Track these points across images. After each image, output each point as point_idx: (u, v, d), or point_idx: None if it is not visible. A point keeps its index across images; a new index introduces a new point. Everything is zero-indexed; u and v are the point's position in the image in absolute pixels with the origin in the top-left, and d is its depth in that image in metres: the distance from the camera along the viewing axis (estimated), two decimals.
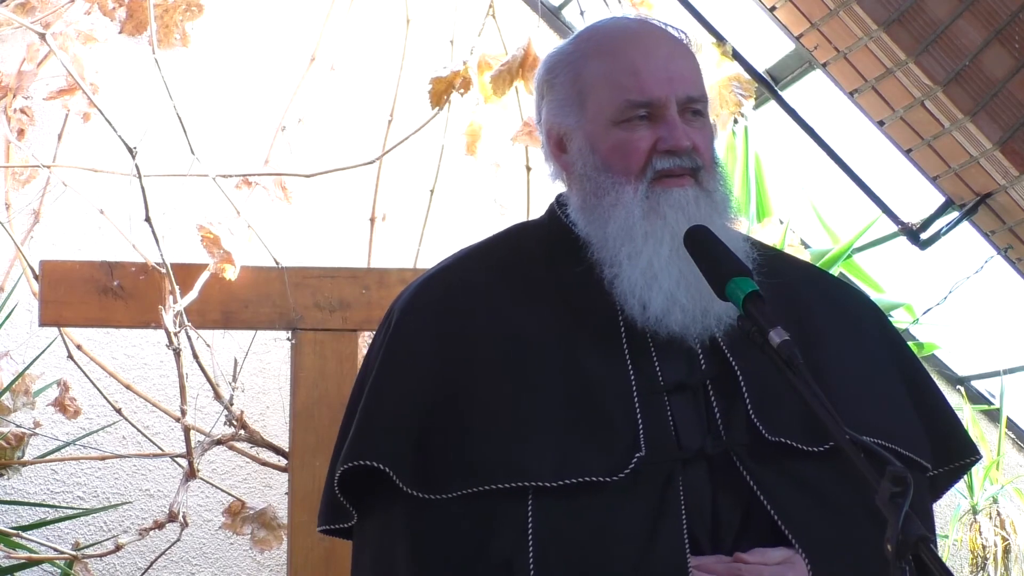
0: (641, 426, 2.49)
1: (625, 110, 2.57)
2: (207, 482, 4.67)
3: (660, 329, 2.54)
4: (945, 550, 5.20)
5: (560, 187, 2.72)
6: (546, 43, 4.45)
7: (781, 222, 5.21)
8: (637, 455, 2.47)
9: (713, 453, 2.51)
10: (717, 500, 2.50)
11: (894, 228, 5.14)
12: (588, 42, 2.67)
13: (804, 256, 4.86)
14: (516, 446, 2.47)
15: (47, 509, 4.71)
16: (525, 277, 2.63)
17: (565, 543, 2.43)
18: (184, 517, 4.23)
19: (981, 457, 2.81)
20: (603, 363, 2.54)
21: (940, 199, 4.97)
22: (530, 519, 2.44)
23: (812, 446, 2.52)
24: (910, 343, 4.59)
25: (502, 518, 2.45)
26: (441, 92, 4.41)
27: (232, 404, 4.29)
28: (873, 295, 5.31)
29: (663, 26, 2.69)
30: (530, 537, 2.43)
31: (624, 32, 2.65)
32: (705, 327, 2.54)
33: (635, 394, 2.52)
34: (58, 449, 4.66)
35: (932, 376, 2.81)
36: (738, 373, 2.55)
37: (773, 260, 2.65)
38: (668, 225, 2.55)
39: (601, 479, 2.45)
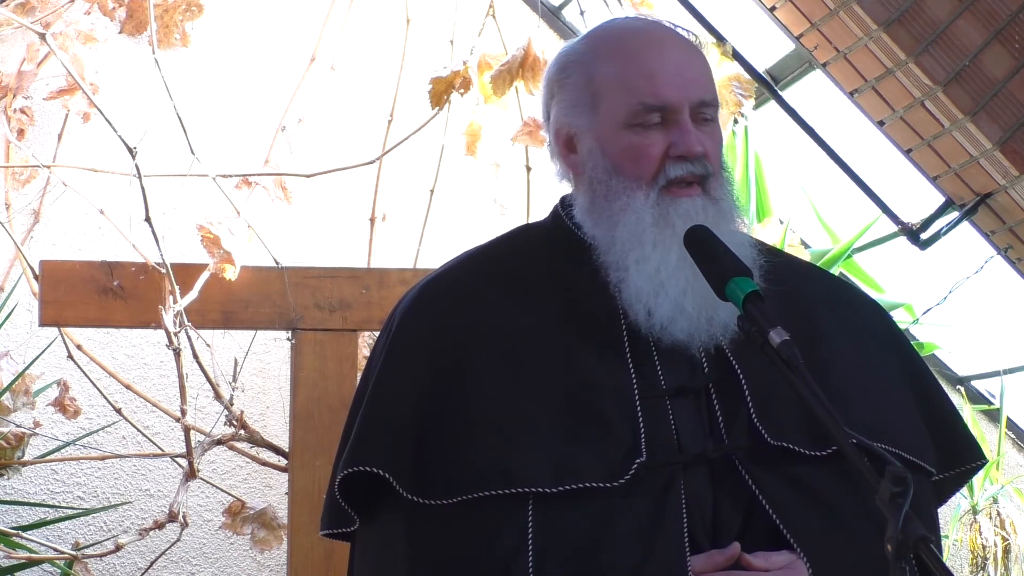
0: (643, 431, 2.48)
1: (639, 114, 2.55)
2: (207, 482, 4.67)
3: (664, 336, 2.52)
4: (945, 550, 5.20)
5: (565, 187, 2.71)
6: (546, 43, 4.45)
7: (781, 222, 5.21)
8: (638, 461, 2.46)
9: (714, 457, 2.50)
10: (718, 504, 2.49)
11: (894, 228, 5.14)
12: (602, 42, 2.63)
13: (804, 256, 4.86)
14: (516, 451, 2.46)
15: (47, 509, 4.71)
16: (527, 280, 2.62)
17: (564, 548, 2.42)
18: (184, 517, 4.23)
19: (987, 461, 2.80)
20: (605, 366, 2.53)
21: (940, 199, 4.97)
22: (530, 525, 2.44)
23: (814, 450, 2.51)
24: None
25: (501, 524, 2.44)
26: (441, 92, 4.41)
27: (232, 404, 4.29)
28: (873, 295, 5.30)
29: (674, 28, 2.68)
30: (529, 543, 2.43)
31: (639, 34, 2.62)
32: (711, 336, 2.53)
33: (637, 398, 2.51)
34: (58, 449, 4.66)
35: None
36: (741, 376, 2.54)
37: (781, 266, 2.64)
38: (677, 235, 2.53)
39: (601, 485, 2.45)
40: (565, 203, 2.68)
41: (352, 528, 2.61)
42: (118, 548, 4.26)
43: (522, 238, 2.73)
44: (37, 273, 4.14)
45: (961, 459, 2.71)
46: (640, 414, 2.49)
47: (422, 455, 2.50)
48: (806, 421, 2.50)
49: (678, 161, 2.55)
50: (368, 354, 2.75)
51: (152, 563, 4.66)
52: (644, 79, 2.55)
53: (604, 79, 2.58)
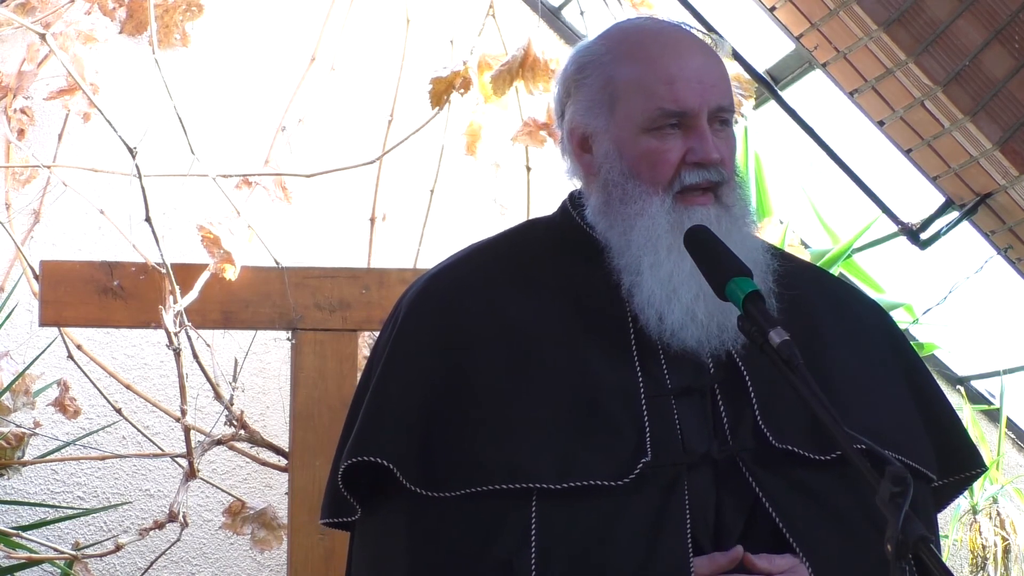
0: (648, 430, 2.48)
1: (657, 118, 2.55)
2: (207, 482, 4.67)
3: (674, 343, 2.52)
4: (945, 550, 5.20)
5: (570, 186, 2.70)
6: (546, 43, 4.45)
7: (781, 222, 5.21)
8: (643, 460, 2.46)
9: (719, 458, 2.51)
10: (721, 505, 2.49)
11: (894, 228, 5.14)
12: (621, 44, 2.62)
13: (804, 256, 4.86)
14: (521, 447, 2.46)
15: (47, 509, 4.71)
16: (534, 275, 2.62)
17: (567, 545, 2.43)
18: (184, 517, 4.23)
19: (987, 469, 2.79)
20: (611, 365, 2.53)
21: (940, 199, 4.97)
22: (533, 520, 2.44)
23: (818, 454, 2.51)
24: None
25: (505, 519, 2.45)
26: (441, 92, 4.41)
27: (232, 404, 4.29)
28: (873, 295, 5.31)
29: (692, 31, 2.67)
30: (532, 539, 2.43)
31: (658, 36, 2.62)
32: (722, 342, 2.53)
33: (643, 397, 2.51)
34: (58, 449, 4.66)
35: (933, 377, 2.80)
36: (747, 378, 2.54)
37: (794, 271, 2.64)
38: None
39: (606, 483, 2.45)
40: (575, 200, 2.68)
41: (352, 518, 2.60)
42: (118, 548, 4.26)
43: (529, 233, 2.73)
44: (37, 273, 4.14)
45: (961, 466, 2.71)
46: (646, 413, 2.49)
47: (427, 448, 2.50)
48: (810, 425, 2.50)
49: (694, 168, 2.56)
50: (368, 354, 2.74)
51: (152, 563, 4.66)
52: (664, 84, 2.55)
53: (623, 82, 2.58)
